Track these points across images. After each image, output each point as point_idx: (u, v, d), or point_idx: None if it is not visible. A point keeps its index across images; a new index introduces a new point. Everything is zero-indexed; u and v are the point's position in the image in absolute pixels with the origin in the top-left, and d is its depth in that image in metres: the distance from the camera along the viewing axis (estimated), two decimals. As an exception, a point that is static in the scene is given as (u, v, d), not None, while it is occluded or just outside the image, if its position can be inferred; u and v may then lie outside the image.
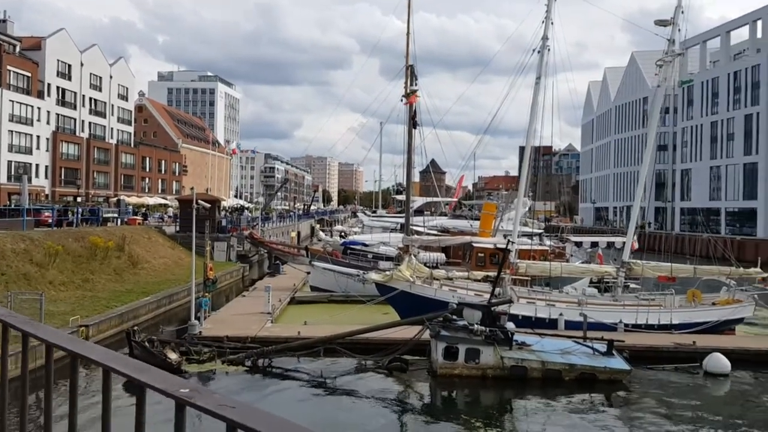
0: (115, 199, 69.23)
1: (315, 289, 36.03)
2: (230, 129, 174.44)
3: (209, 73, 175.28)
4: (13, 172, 61.83)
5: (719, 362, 21.35)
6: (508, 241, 26.87)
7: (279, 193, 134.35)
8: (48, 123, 68.74)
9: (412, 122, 33.88)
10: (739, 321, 27.40)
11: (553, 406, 18.53)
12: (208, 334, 22.88)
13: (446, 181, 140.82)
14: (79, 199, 67.05)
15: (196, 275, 26.01)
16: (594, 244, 41.45)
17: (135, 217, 53.78)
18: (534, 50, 29.68)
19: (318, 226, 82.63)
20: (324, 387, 19.77)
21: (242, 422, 1.41)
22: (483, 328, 20.27)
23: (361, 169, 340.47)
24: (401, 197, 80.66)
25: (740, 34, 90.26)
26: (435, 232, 41.03)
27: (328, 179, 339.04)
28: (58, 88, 71.15)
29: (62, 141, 71.24)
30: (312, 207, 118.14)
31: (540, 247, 34.63)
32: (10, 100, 61.45)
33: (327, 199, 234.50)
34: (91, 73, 77.39)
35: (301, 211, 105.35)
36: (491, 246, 32.16)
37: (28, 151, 65.37)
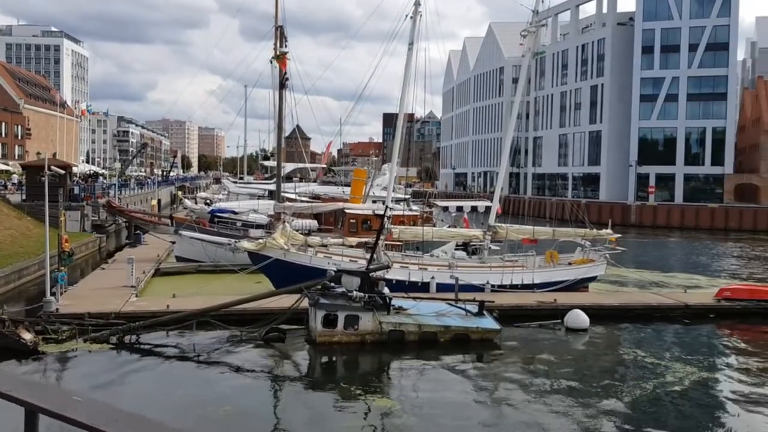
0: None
1: (181, 260, 34.64)
2: (78, 89, 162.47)
3: (53, 29, 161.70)
4: None
5: (579, 318, 22.91)
6: (386, 207, 27.06)
7: (135, 159, 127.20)
8: None
9: (284, 85, 32.94)
10: (593, 279, 29.55)
11: (430, 366, 19.03)
12: (67, 311, 21.18)
13: (311, 147, 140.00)
14: None
15: (50, 248, 23.91)
16: (459, 209, 42.75)
17: (-28, 184, 48.83)
18: (406, 16, 29.90)
19: (180, 193, 79.19)
20: (197, 362, 18.96)
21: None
22: (362, 294, 20.33)
23: (223, 134, 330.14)
24: (269, 163, 79.01)
25: (588, 9, 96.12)
26: (306, 199, 40.58)
27: (187, 144, 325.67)
28: None
29: None
30: (171, 173, 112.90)
31: (410, 213, 35.22)
32: None
33: (187, 165, 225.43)
34: None
35: (160, 178, 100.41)
36: (364, 212, 32.26)
37: None
